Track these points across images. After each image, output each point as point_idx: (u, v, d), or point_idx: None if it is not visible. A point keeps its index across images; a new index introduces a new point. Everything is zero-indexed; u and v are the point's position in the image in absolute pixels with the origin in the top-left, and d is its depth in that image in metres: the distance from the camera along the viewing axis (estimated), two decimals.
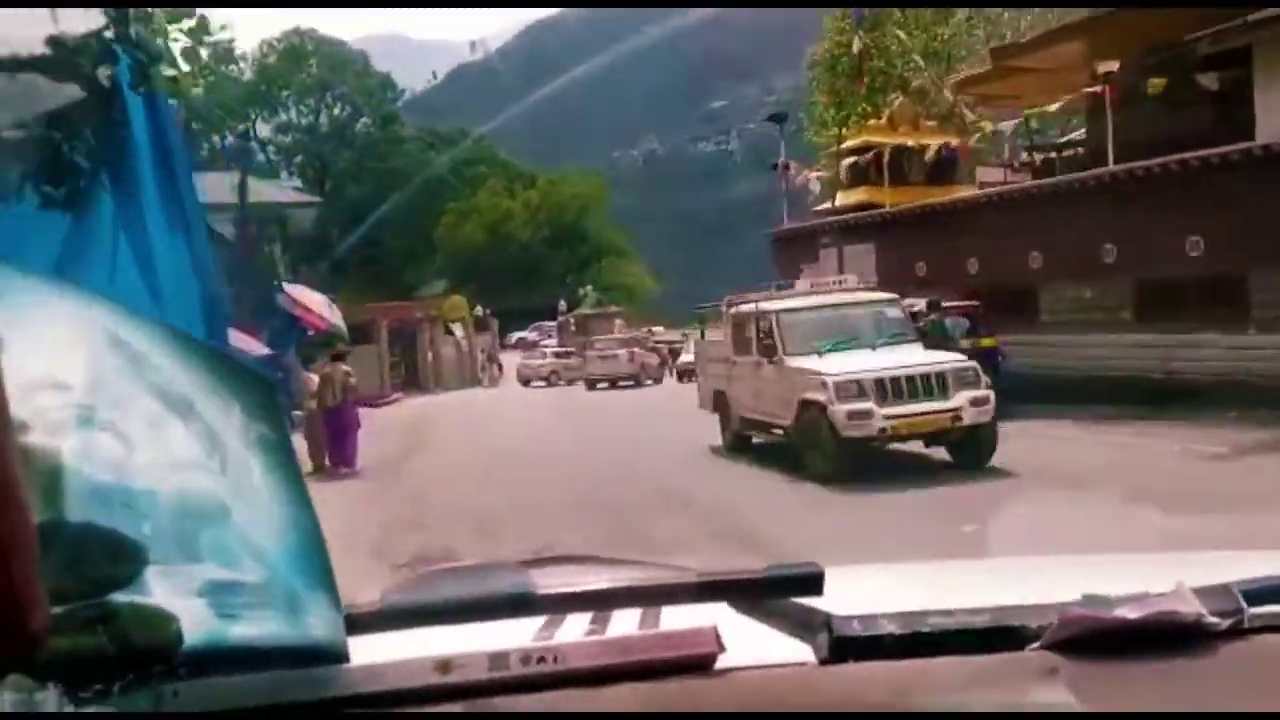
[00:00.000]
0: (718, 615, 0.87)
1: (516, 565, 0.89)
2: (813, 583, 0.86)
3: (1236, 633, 0.85)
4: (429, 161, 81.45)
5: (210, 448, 0.77)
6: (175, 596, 0.72)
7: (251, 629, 0.74)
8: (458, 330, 45.09)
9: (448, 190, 78.25)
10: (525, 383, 44.25)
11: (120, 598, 0.70)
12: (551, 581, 0.86)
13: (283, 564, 0.78)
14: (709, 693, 0.79)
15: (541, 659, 0.80)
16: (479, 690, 0.78)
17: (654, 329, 63.94)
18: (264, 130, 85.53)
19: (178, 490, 0.74)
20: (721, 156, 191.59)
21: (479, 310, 52.60)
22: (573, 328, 56.49)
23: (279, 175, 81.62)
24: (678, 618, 0.90)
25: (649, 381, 40.85)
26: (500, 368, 46.31)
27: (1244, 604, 0.87)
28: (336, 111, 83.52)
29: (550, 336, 61.29)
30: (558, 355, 45.51)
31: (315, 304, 20.47)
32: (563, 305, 58.63)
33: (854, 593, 1.05)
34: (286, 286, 22.40)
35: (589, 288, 62.07)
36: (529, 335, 63.98)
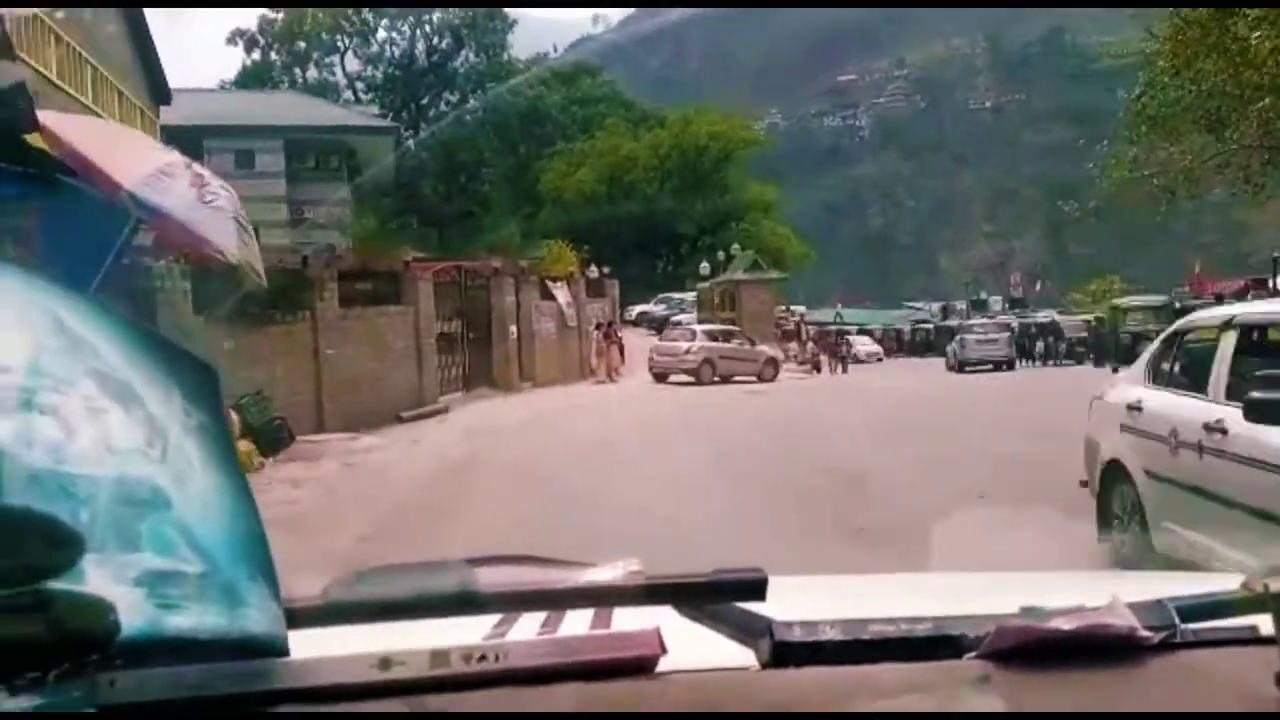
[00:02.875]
0: (665, 618, 0.84)
1: (462, 563, 0.84)
2: (756, 588, 0.83)
3: (1168, 647, 0.85)
4: (541, 101, 64.61)
5: (150, 435, 0.74)
6: (112, 585, 0.69)
7: (190, 620, 0.72)
8: (561, 295, 27.96)
9: (561, 135, 61.26)
10: (661, 377, 27.61)
11: (57, 585, 0.68)
12: (497, 580, 0.82)
13: (222, 555, 0.75)
14: (650, 694, 0.78)
15: (483, 657, 0.77)
16: (419, 688, 0.75)
17: (794, 308, 46.47)
18: (352, 64, 69.50)
19: (117, 477, 0.71)
20: (849, 132, 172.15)
21: (593, 270, 35.44)
22: (717, 300, 38.91)
23: None
24: (630, 620, 0.86)
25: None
26: (623, 352, 29.02)
27: (1177, 619, 0.86)
28: (436, 41, 66.81)
29: (683, 311, 44.01)
30: (712, 337, 28.16)
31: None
32: (705, 268, 41.16)
33: (797, 599, 1.03)
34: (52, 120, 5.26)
35: (735, 246, 44.26)
36: (654, 309, 46.74)
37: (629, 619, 0.87)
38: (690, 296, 46.76)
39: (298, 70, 67.91)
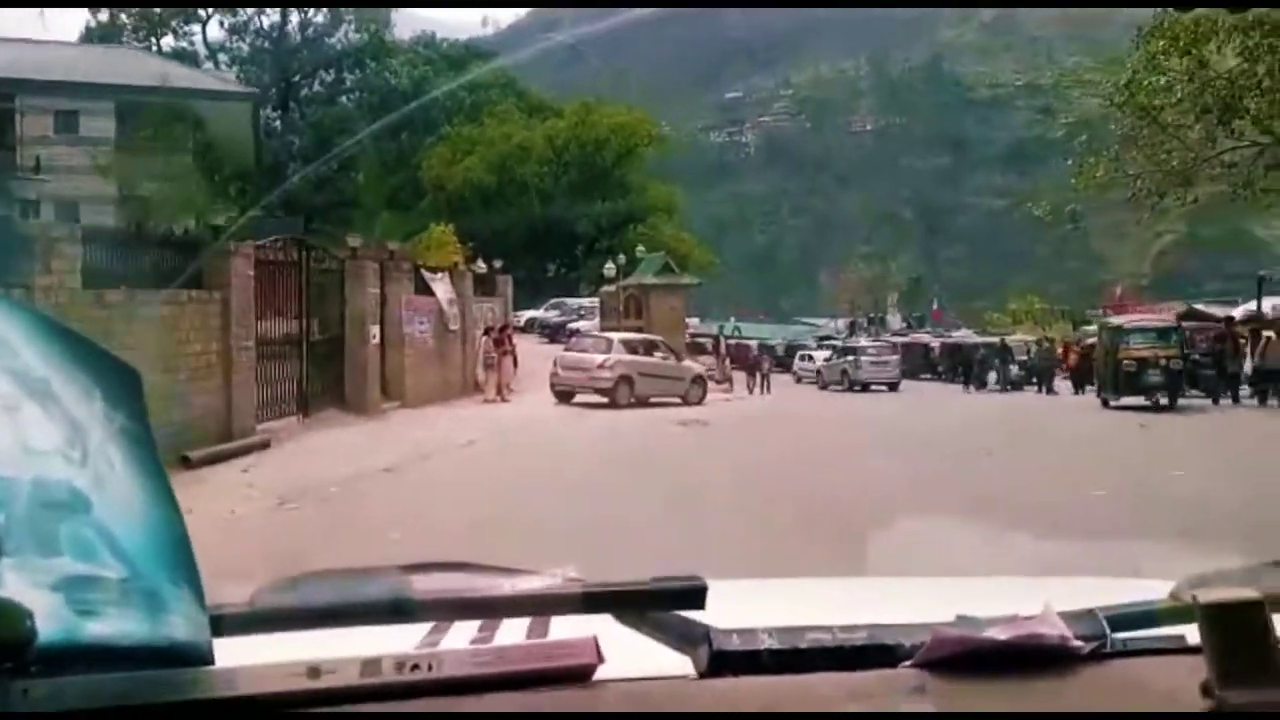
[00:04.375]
0: (603, 626, 0.82)
1: (396, 570, 0.82)
2: (695, 596, 0.82)
3: (1099, 656, 0.85)
4: (427, 83, 57.40)
5: (70, 437, 0.71)
6: (30, 590, 0.66)
7: (111, 627, 0.69)
8: (441, 290, 21.35)
9: (447, 121, 54.28)
10: (566, 396, 21.36)
11: None
12: (431, 588, 0.80)
13: (145, 560, 0.71)
14: (586, 703, 0.76)
15: (415, 666, 0.74)
16: (349, 697, 0.73)
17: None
18: (216, 34, 61.16)
19: (35, 479, 0.68)
20: (735, 148, 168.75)
21: (480, 264, 28.93)
22: (622, 305, 32.75)
23: None
24: (567, 629, 0.84)
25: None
26: (516, 363, 22.57)
27: (1107, 629, 0.87)
28: (311, 14, 59.03)
29: (580, 317, 37.80)
30: (631, 349, 22.06)
31: None
32: (610, 269, 34.96)
33: (736, 607, 1.01)
34: None
35: (641, 248, 38.23)
36: (547, 315, 40.36)
37: (568, 628, 0.83)
38: (587, 301, 40.57)
39: (152, 38, 59.18)
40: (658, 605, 0.84)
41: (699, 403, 23.15)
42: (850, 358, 33.89)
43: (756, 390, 29.43)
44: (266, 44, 59.43)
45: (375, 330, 18.45)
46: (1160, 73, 24.22)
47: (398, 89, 57.55)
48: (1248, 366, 22.24)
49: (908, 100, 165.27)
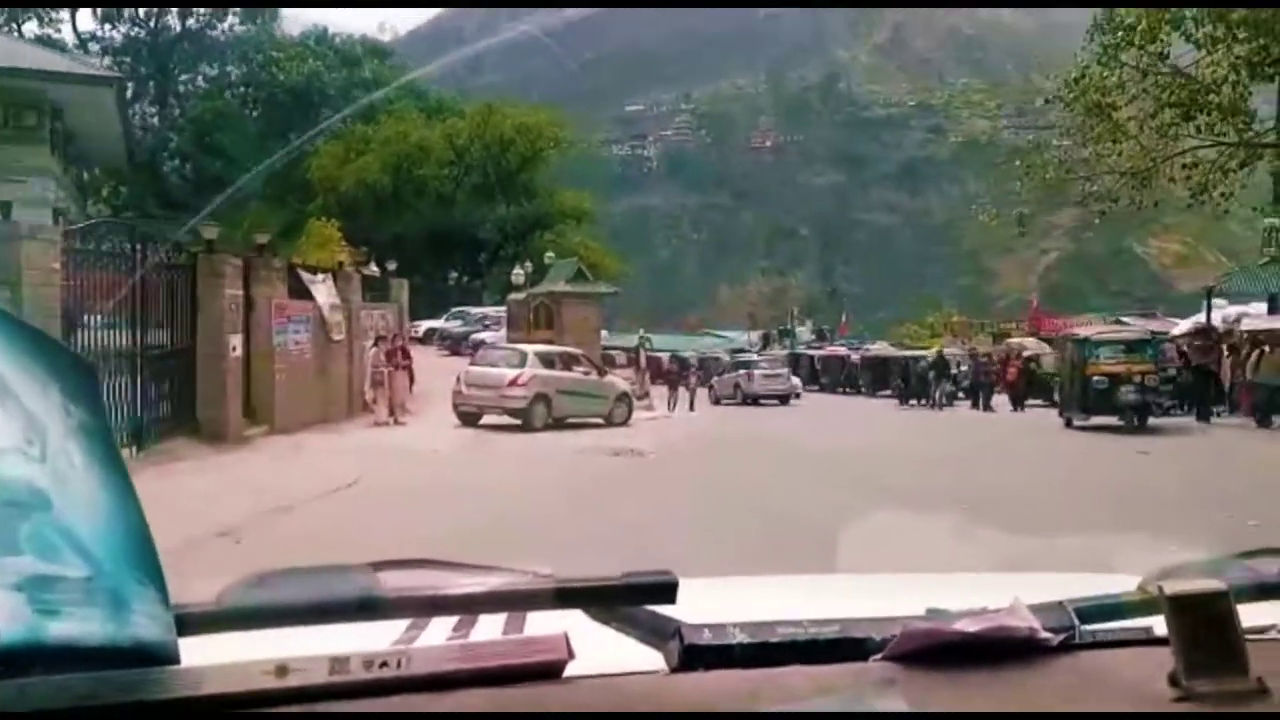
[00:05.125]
0: (575, 623, 0.82)
1: (365, 568, 0.80)
2: (666, 591, 0.81)
3: (1068, 648, 0.85)
4: (319, 79, 53.27)
5: (28, 433, 0.68)
6: None
7: (73, 626, 0.67)
8: (322, 295, 17.81)
9: (341, 120, 50.10)
10: (471, 418, 18.12)
11: None
12: (401, 585, 0.78)
13: (108, 558, 0.69)
14: (557, 699, 0.75)
15: (385, 664, 0.73)
16: (318, 695, 0.71)
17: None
18: (86, 23, 55.88)
19: None
20: (637, 161, 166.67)
21: (372, 266, 25.33)
22: (532, 315, 29.49)
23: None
24: (541, 625, 0.84)
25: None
26: (412, 379, 19.13)
27: (1076, 621, 0.86)
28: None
29: (485, 327, 34.44)
30: (548, 363, 18.97)
31: None
32: (519, 275, 31.62)
33: (707, 602, 1.02)
34: None
35: (550, 254, 34.99)
36: (448, 325, 36.85)
37: (541, 624, 0.83)
38: (492, 311, 37.08)
39: (12, 25, 53.62)
40: (629, 600, 0.83)
41: (624, 423, 20.04)
42: (743, 372, 33.09)
43: (681, 407, 26.42)
44: (143, 34, 54.38)
45: (237, 340, 14.85)
46: (1113, 67, 22.04)
47: (286, 85, 53.18)
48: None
49: (804, 118, 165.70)
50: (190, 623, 0.73)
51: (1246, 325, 23.08)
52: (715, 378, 34.05)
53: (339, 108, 52.33)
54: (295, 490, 10.37)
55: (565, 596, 0.80)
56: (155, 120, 55.39)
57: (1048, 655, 0.83)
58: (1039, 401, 28.17)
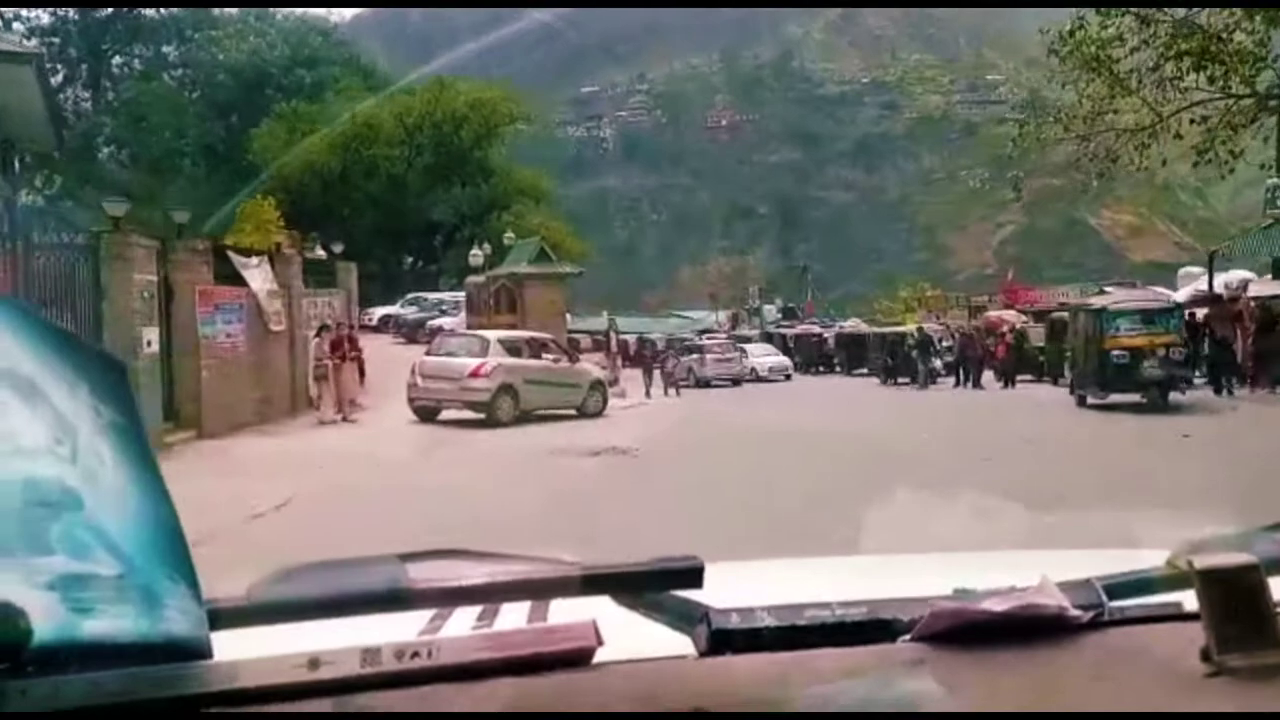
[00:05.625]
0: (602, 609, 0.81)
1: (392, 559, 0.80)
2: (693, 576, 0.81)
3: (1097, 625, 0.84)
4: (260, 58, 50.43)
5: (59, 433, 0.69)
6: (23, 589, 0.64)
7: (106, 624, 0.67)
8: (257, 280, 15.61)
9: (284, 101, 47.38)
10: (429, 413, 16.14)
11: None
12: (428, 576, 0.78)
13: (140, 556, 0.70)
14: (587, 686, 0.75)
15: (416, 654, 0.74)
16: (350, 687, 0.72)
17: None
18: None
19: (25, 477, 0.66)
20: (593, 143, 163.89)
21: (318, 250, 23.09)
22: (492, 299, 27.42)
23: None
24: (566, 613, 0.83)
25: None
26: (364, 373, 16.98)
27: (1104, 598, 0.85)
28: None
29: (443, 313, 32.33)
30: (513, 350, 16.86)
31: None
32: (477, 257, 29.41)
33: (734, 586, 1.00)
34: None
35: (509, 235, 32.79)
36: (403, 312, 34.66)
37: (567, 612, 0.82)
38: (449, 296, 34.85)
39: None
40: (656, 586, 0.82)
41: (599, 414, 18.06)
42: (695, 356, 31.59)
43: (658, 393, 24.45)
44: (72, 14, 51.15)
45: (152, 334, 12.65)
46: (1112, 16, 20.32)
47: (226, 64, 50.29)
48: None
49: (759, 96, 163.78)
50: (222, 617, 0.73)
51: (1255, 292, 21.55)
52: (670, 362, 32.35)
53: (281, 86, 49.65)
54: (211, 516, 8.29)
55: (592, 583, 0.80)
56: (89, 105, 52.24)
57: (1077, 633, 0.82)
58: (1028, 377, 26.69)
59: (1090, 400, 17.54)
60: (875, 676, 0.75)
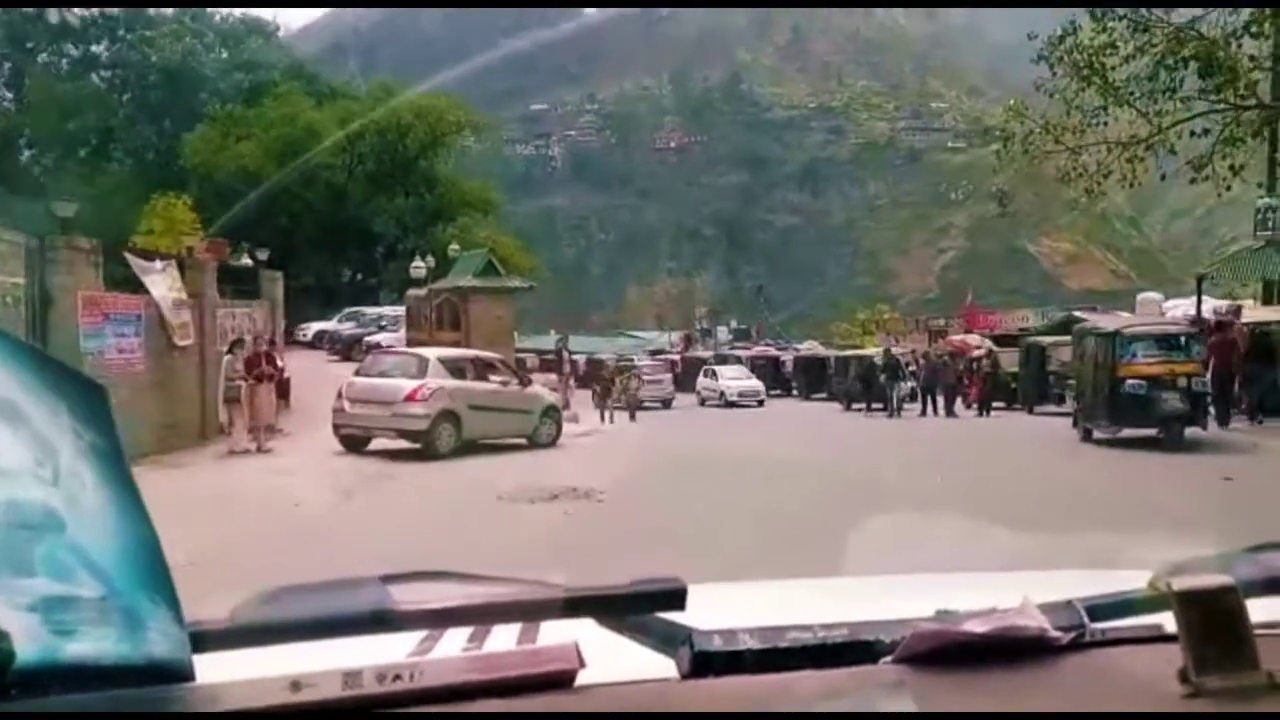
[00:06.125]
0: (586, 632, 0.81)
1: (376, 581, 0.79)
2: (676, 598, 0.81)
3: (1078, 646, 0.84)
4: (195, 59, 47.64)
5: (40, 456, 0.69)
6: (5, 612, 0.64)
7: (89, 646, 0.67)
8: (160, 287, 13.22)
9: (220, 106, 44.61)
10: (357, 442, 13.87)
11: None
12: (411, 598, 0.78)
13: (122, 578, 0.70)
14: (569, 708, 0.75)
15: (398, 677, 0.73)
16: (331, 710, 0.71)
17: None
18: None
19: (7, 500, 0.66)
20: (541, 161, 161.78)
21: (246, 259, 20.73)
22: (434, 314, 25.22)
23: None
24: (554, 636, 0.82)
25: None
26: (287, 394, 14.63)
27: (1085, 619, 0.85)
28: None
29: (382, 328, 29.97)
30: (456, 371, 14.65)
31: None
32: (419, 268, 27.12)
33: (716, 608, 1.01)
34: None
35: (454, 246, 30.59)
36: (340, 327, 32.21)
37: (554, 634, 0.82)
38: (390, 311, 32.45)
39: None
40: (639, 609, 0.82)
41: (553, 443, 15.95)
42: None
43: (615, 418, 22.36)
44: None
45: None
46: (1105, 21, 18.83)
47: (159, 65, 47.43)
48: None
49: (708, 119, 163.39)
50: (204, 640, 0.73)
51: (1247, 318, 20.12)
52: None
53: (217, 90, 46.91)
54: None
55: (575, 605, 0.80)
56: (10, 104, 49.02)
57: (1058, 654, 0.82)
58: (999, 404, 25.14)
59: (1098, 434, 15.70)
60: (857, 698, 0.75)
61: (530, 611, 0.83)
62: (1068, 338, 25.26)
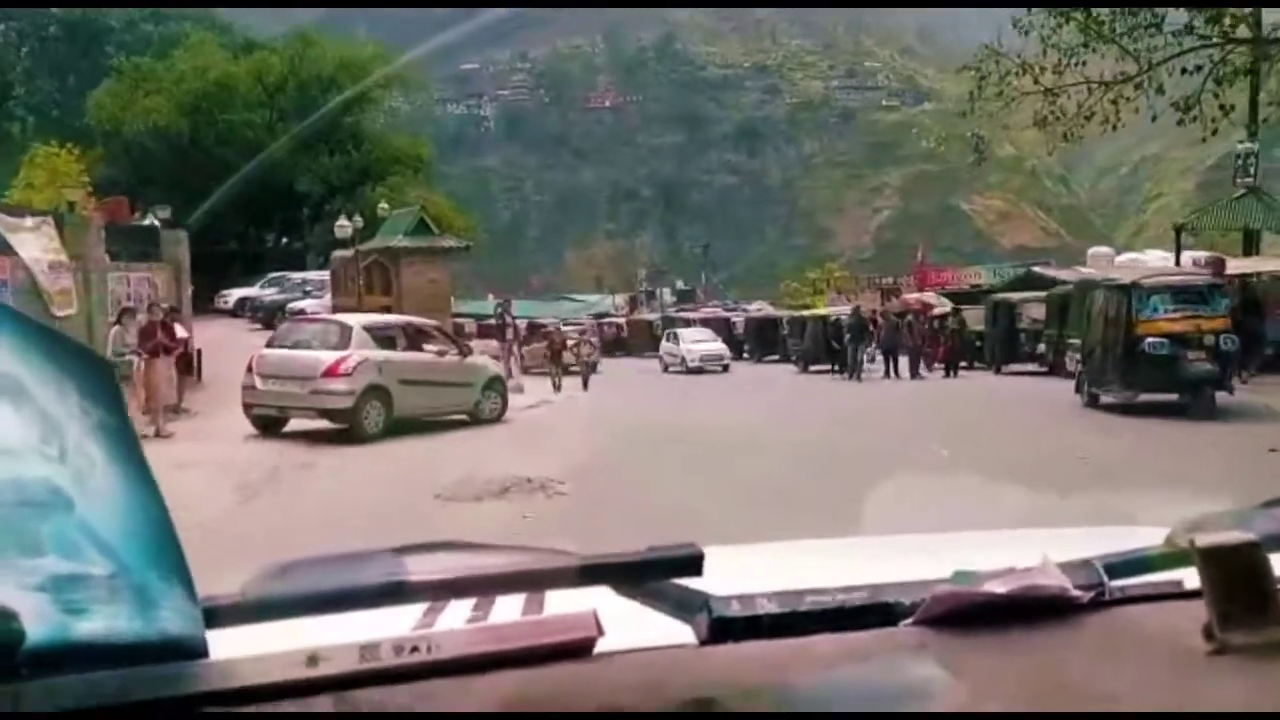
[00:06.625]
0: (602, 599, 0.80)
1: (387, 553, 0.78)
2: (692, 563, 0.79)
3: (1098, 604, 0.83)
4: (99, 12, 44.14)
5: (46, 434, 0.67)
6: (15, 591, 0.63)
7: (101, 624, 0.66)
8: (32, 246, 10.93)
9: (128, 60, 41.25)
10: (271, 424, 11.76)
11: None
12: (424, 569, 0.76)
13: (132, 555, 0.69)
14: (588, 677, 0.74)
15: (415, 648, 0.72)
16: (349, 683, 0.70)
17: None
18: None
19: (14, 479, 0.65)
20: (474, 121, 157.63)
21: (151, 218, 18.38)
22: (362, 277, 23.04)
23: None
24: (564, 603, 0.81)
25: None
26: (197, 367, 12.44)
27: (1105, 577, 0.85)
28: None
29: (307, 294, 27.73)
30: (385, 339, 12.56)
31: None
32: (344, 227, 24.78)
33: (734, 573, 0.99)
34: None
35: (384, 205, 28.23)
36: (263, 293, 29.87)
37: (564, 603, 0.80)
38: (316, 275, 30.13)
39: None
40: (655, 575, 0.81)
41: (498, 418, 14.08)
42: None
43: (570, 387, 20.46)
44: None
45: None
46: None
47: (59, 17, 43.87)
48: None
49: (642, 78, 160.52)
50: (218, 615, 0.72)
51: (1233, 270, 18.90)
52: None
53: (125, 43, 43.54)
54: None
55: (591, 573, 0.78)
56: None
57: (1078, 613, 0.81)
58: (962, 364, 23.84)
59: (1105, 399, 14.02)
60: (878, 661, 0.75)
61: (545, 580, 0.80)
62: (1038, 294, 24.10)
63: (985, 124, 19.13)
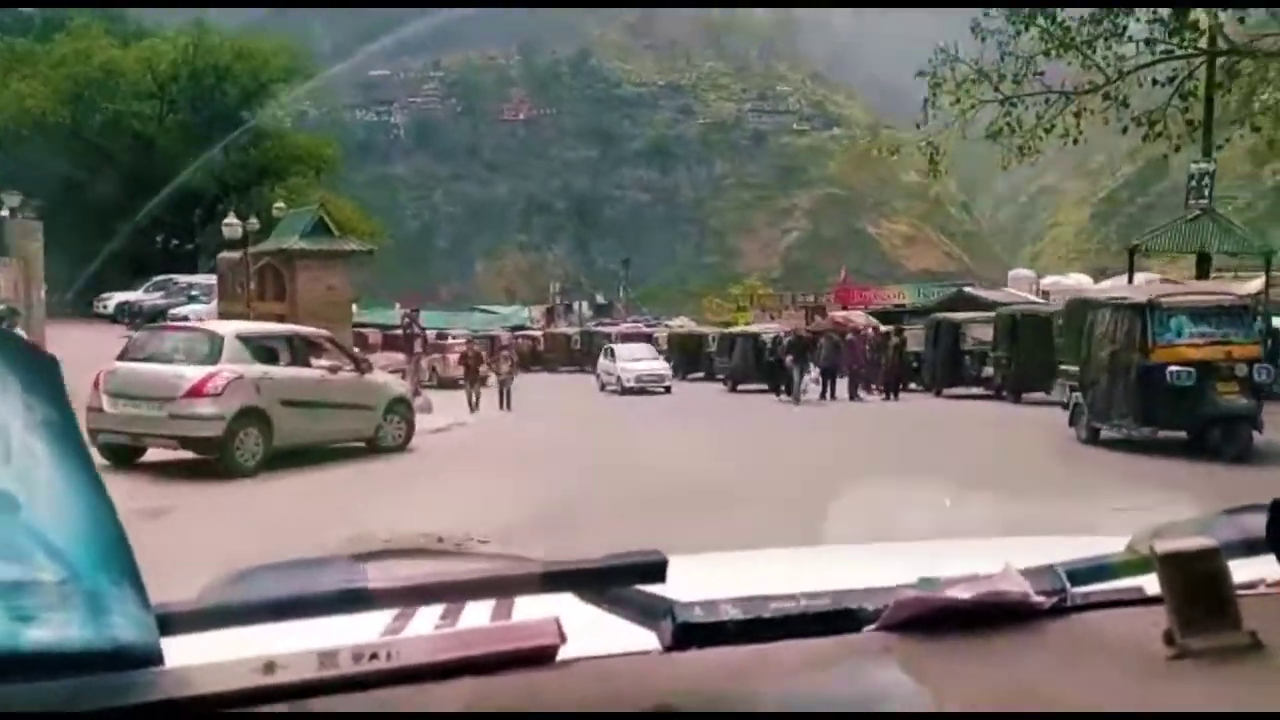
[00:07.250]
0: (566, 606, 0.79)
1: (348, 559, 0.78)
2: (656, 570, 0.79)
3: (1060, 611, 0.84)
4: None
5: None
6: None
7: (52, 632, 0.64)
8: None
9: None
10: (125, 453, 9.37)
11: None
12: (385, 575, 0.76)
13: (83, 560, 0.66)
14: (550, 684, 0.73)
15: (374, 656, 0.71)
16: (306, 690, 0.69)
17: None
18: None
19: None
20: (382, 128, 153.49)
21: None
22: (254, 282, 20.43)
23: None
24: (531, 611, 0.80)
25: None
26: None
27: (1067, 583, 0.85)
28: None
29: (192, 299, 24.99)
30: (265, 353, 10.26)
31: None
32: (234, 225, 22.14)
33: (698, 579, 1.00)
34: None
35: (280, 205, 25.63)
36: (146, 298, 26.93)
37: (530, 609, 0.80)
38: (203, 280, 27.40)
39: None
40: (619, 581, 0.81)
41: (403, 446, 11.92)
42: (438, 355, 26.28)
43: (486, 406, 18.28)
44: None
45: None
46: None
47: None
48: None
49: (556, 92, 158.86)
50: (172, 622, 0.70)
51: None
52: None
53: (2, 25, 39.81)
54: None
55: (554, 580, 0.78)
56: None
57: (1041, 619, 0.82)
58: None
59: (1107, 434, 12.18)
60: (842, 667, 0.75)
61: (508, 587, 0.79)
62: (985, 314, 22.91)
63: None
